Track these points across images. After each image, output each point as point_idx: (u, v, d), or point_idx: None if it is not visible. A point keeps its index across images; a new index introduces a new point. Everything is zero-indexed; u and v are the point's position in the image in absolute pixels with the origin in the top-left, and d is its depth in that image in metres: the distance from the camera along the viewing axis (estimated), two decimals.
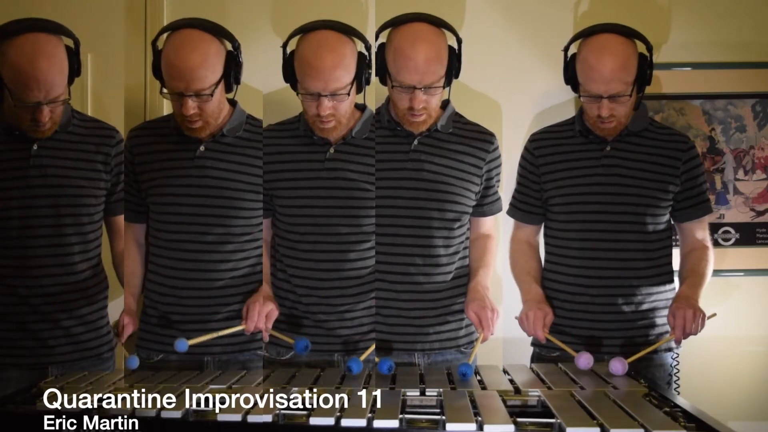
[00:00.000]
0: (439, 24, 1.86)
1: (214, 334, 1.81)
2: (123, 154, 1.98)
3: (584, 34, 1.88)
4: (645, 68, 1.85)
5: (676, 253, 2.00)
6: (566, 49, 1.93)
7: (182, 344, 1.73)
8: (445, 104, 1.95)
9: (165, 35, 1.84)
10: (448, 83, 1.87)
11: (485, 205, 2.00)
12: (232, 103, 1.96)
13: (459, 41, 1.88)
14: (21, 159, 1.88)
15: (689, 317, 1.77)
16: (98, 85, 2.43)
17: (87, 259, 1.94)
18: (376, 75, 1.90)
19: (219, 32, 1.85)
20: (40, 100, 1.77)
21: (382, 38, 1.89)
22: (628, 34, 1.86)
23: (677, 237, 2.02)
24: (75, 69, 1.83)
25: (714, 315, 1.82)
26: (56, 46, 1.79)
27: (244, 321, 1.81)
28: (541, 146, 2.01)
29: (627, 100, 1.84)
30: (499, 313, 1.82)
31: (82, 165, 1.92)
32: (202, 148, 1.91)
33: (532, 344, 2.03)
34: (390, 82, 1.86)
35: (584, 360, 1.65)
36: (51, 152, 1.89)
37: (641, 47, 1.87)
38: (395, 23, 1.86)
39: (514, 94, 2.40)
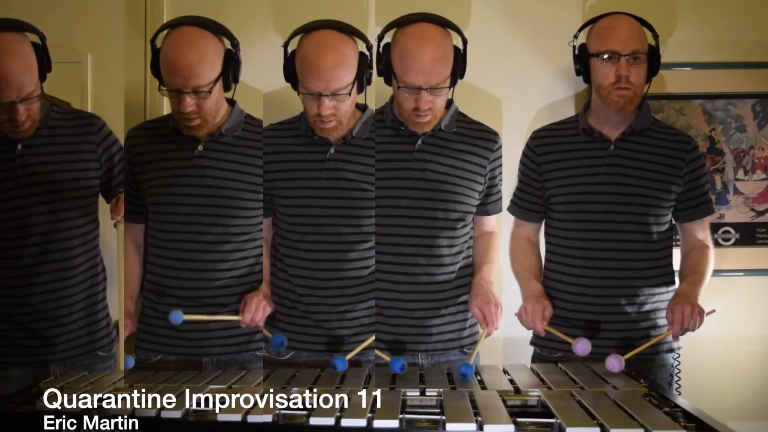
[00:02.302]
0: (444, 24, 1.85)
1: (212, 318, 1.85)
2: (109, 139, 1.98)
3: (594, 20, 1.93)
4: (654, 57, 1.90)
5: (676, 253, 2.00)
6: (575, 38, 1.94)
7: (177, 316, 1.78)
8: (448, 104, 1.94)
9: (164, 33, 1.83)
10: (453, 84, 1.87)
11: (489, 204, 2.00)
12: (231, 102, 1.95)
13: (464, 41, 1.88)
14: (7, 161, 1.88)
15: (687, 313, 1.77)
16: (98, 85, 2.43)
17: (85, 252, 1.94)
18: (381, 75, 1.89)
19: (218, 30, 1.84)
20: (13, 99, 1.78)
21: (387, 38, 1.88)
22: (638, 20, 1.91)
23: (677, 237, 2.02)
24: (45, 64, 1.84)
25: (713, 311, 1.82)
26: (21, 43, 1.80)
27: (241, 313, 1.83)
28: (543, 144, 2.01)
29: (644, 61, 1.87)
30: (503, 308, 1.82)
31: (69, 157, 1.92)
32: (200, 147, 1.90)
33: (532, 343, 2.03)
34: (395, 83, 1.86)
35: (581, 346, 1.64)
36: (36, 149, 1.90)
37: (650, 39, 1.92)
38: (401, 23, 1.85)
39: (515, 91, 2.40)
